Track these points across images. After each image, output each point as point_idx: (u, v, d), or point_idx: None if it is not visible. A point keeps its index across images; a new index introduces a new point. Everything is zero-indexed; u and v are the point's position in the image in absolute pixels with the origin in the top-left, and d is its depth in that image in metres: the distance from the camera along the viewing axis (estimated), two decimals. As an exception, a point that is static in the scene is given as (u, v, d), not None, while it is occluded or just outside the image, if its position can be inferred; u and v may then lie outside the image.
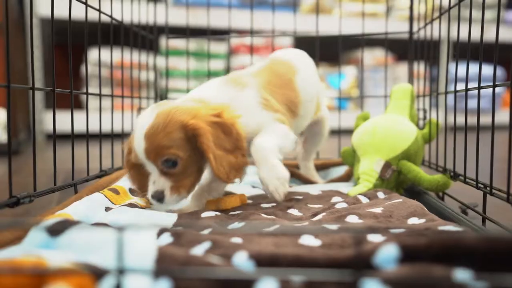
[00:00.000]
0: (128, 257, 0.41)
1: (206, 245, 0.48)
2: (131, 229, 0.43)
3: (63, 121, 1.06)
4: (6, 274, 0.36)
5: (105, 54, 2.17)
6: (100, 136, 0.85)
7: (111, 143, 0.91)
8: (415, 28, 1.12)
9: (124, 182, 0.80)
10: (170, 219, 0.65)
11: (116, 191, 0.74)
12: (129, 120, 1.05)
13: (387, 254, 0.39)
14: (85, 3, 0.77)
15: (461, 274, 0.36)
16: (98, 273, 0.37)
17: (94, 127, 0.86)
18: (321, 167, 1.10)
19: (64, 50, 0.72)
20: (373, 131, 0.92)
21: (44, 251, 0.44)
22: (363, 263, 0.38)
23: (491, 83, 0.66)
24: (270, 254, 0.43)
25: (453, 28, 0.79)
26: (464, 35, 0.70)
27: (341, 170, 1.06)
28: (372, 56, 2.93)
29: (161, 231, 0.54)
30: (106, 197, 0.70)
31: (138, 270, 0.36)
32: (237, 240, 0.49)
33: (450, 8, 0.81)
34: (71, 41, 0.73)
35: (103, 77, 2.29)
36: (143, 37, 1.12)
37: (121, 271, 0.35)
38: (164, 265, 0.41)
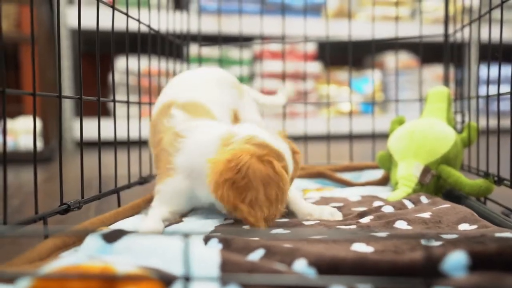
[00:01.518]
0: (193, 264, 0.42)
1: (260, 252, 0.48)
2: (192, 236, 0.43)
3: (92, 128, 1.07)
4: (74, 280, 0.37)
5: (132, 62, 2.21)
6: (140, 143, 0.86)
7: (139, 150, 0.91)
8: (449, 31, 1.11)
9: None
10: (208, 226, 0.65)
11: None
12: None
13: (456, 260, 0.38)
14: (113, 7, 0.78)
15: (537, 282, 0.35)
16: (166, 280, 0.37)
17: (121, 135, 0.86)
18: (354, 168, 1.09)
19: (93, 60, 0.73)
20: (411, 135, 0.90)
21: (106, 257, 0.45)
22: (432, 270, 0.38)
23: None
24: (330, 259, 0.43)
25: (484, 30, 0.78)
26: (495, 37, 0.69)
27: (376, 173, 1.04)
28: (395, 61, 2.90)
29: (207, 238, 0.55)
30: None
31: (206, 278, 0.36)
32: (290, 246, 0.49)
33: (491, 9, 0.79)
34: (99, 50, 0.74)
35: (130, 85, 2.33)
36: (170, 45, 1.13)
37: (188, 278, 0.36)
38: (229, 271, 0.41)
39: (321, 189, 0.97)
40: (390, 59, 2.97)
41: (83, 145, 0.70)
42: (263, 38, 2.53)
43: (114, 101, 0.82)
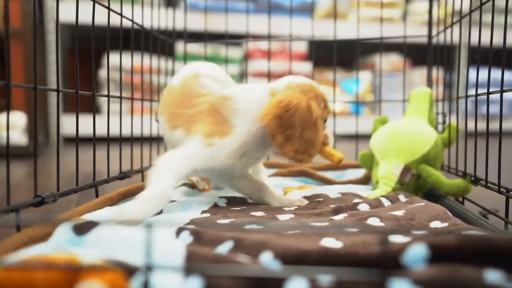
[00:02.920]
0: (157, 255, 0.42)
1: (229, 244, 0.49)
2: (157, 228, 0.43)
3: (81, 124, 1.08)
4: (39, 270, 0.37)
5: (123, 59, 2.19)
6: (120, 140, 0.86)
7: (131, 146, 0.92)
8: (433, 32, 1.12)
9: None
10: (184, 218, 0.66)
11: None
12: (147, 123, 1.07)
13: (416, 253, 0.38)
14: (108, 8, 0.78)
15: (493, 275, 0.35)
16: (129, 270, 0.37)
17: (111, 131, 0.87)
18: (337, 167, 1.09)
19: (82, 55, 0.73)
20: (393, 135, 0.91)
21: (73, 248, 0.45)
22: (390, 262, 0.38)
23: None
24: (296, 252, 0.43)
25: (471, 32, 0.79)
26: (482, 39, 0.70)
27: (358, 172, 1.05)
28: (388, 61, 2.92)
29: (180, 230, 0.55)
30: None
31: (168, 267, 0.36)
32: (259, 239, 0.50)
33: (471, 11, 0.80)
34: (90, 46, 0.74)
35: (119, 81, 2.32)
36: (162, 42, 1.14)
37: (149, 268, 0.36)
38: (193, 263, 0.41)
39: (303, 187, 0.97)
40: (382, 60, 2.99)
41: (76, 140, 0.70)
42: (252, 37, 2.54)
43: (108, 96, 0.83)
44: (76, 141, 0.70)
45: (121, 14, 0.84)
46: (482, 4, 0.75)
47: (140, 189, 0.82)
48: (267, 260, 0.44)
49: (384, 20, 2.88)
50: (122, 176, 0.86)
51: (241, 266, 0.39)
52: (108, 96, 0.83)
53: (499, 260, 0.38)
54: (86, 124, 0.96)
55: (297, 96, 0.72)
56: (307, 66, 2.66)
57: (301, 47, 2.70)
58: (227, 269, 0.37)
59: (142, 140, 0.98)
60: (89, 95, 0.77)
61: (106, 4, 0.81)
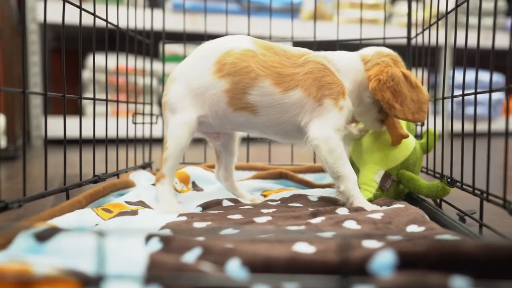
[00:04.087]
0: (118, 264, 0.40)
1: (197, 251, 0.47)
2: (118, 235, 0.42)
3: (61, 126, 1.06)
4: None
5: (102, 59, 2.17)
6: (94, 142, 0.84)
7: (105, 149, 0.90)
8: (413, 34, 1.12)
9: (121, 199, 0.79)
10: (157, 223, 0.65)
11: (109, 211, 0.73)
12: (124, 125, 1.05)
13: (383, 260, 0.38)
14: (79, 7, 0.76)
15: (459, 282, 0.35)
16: (85, 280, 0.36)
17: (90, 133, 0.86)
18: (317, 170, 1.08)
19: (64, 56, 0.72)
20: (373, 141, 0.91)
21: (31, 257, 0.43)
22: (353, 269, 0.37)
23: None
24: (263, 259, 0.42)
25: (452, 34, 0.78)
26: (463, 41, 0.70)
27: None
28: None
29: (149, 237, 0.53)
30: (98, 215, 0.69)
31: (124, 277, 0.35)
32: (229, 245, 0.48)
33: (447, 13, 0.80)
34: (71, 47, 0.73)
35: (102, 82, 2.29)
36: (140, 43, 1.12)
37: (101, 278, 0.34)
38: (155, 272, 0.40)
39: (283, 190, 0.96)
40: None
41: (45, 143, 0.67)
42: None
43: (80, 98, 0.80)
44: (45, 144, 0.68)
45: (94, 14, 0.82)
46: (457, 5, 0.74)
47: (107, 189, 0.80)
48: (234, 268, 0.43)
49: (368, 21, 2.89)
50: (96, 179, 0.84)
51: (202, 275, 0.37)
52: (80, 98, 0.81)
53: (466, 266, 0.37)
54: (67, 127, 0.94)
55: (391, 65, 0.81)
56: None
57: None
58: (187, 278, 0.36)
59: (117, 142, 0.96)
60: (59, 96, 0.75)
61: (87, 4, 0.79)
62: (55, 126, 1.73)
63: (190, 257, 0.47)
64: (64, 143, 0.74)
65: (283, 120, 0.79)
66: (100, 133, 0.93)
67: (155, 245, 0.51)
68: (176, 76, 0.82)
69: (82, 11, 0.78)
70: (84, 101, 2.37)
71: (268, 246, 0.49)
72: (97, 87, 2.34)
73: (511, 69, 0.57)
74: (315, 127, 0.77)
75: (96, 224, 0.65)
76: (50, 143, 2.34)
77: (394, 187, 0.88)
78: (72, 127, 0.95)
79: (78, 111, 2.53)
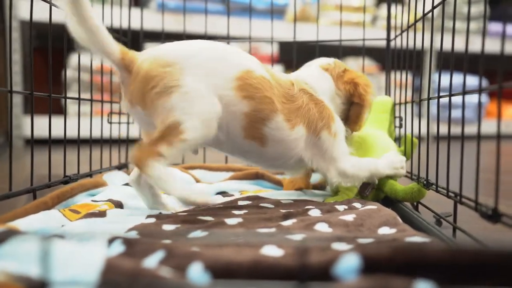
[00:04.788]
0: (72, 269, 0.39)
1: (160, 254, 0.46)
2: (78, 238, 0.40)
3: (43, 126, 1.03)
4: None
5: (86, 58, 2.13)
6: (65, 142, 0.82)
7: (78, 149, 0.88)
8: (392, 36, 1.12)
9: (90, 199, 0.77)
10: (125, 225, 0.63)
11: (77, 212, 0.70)
12: (99, 124, 1.02)
13: (347, 264, 0.37)
14: (49, 3, 0.74)
15: (422, 286, 0.34)
16: (33, 286, 0.34)
17: (73, 132, 0.85)
18: None
19: (45, 54, 0.71)
20: (354, 148, 0.90)
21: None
22: (315, 274, 0.36)
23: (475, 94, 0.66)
24: (226, 263, 0.41)
25: (438, 37, 0.78)
26: (448, 44, 0.70)
27: (316, 177, 1.03)
28: (357, 65, 2.94)
29: (112, 239, 0.52)
30: (65, 216, 0.67)
31: (73, 282, 0.33)
32: (195, 249, 0.47)
33: (424, 15, 0.80)
34: (53, 45, 0.71)
35: (85, 81, 2.25)
36: (117, 41, 1.09)
37: (45, 284, 0.33)
38: (110, 277, 0.38)
39: (259, 191, 0.95)
40: (351, 64, 3.00)
41: (10, 142, 0.66)
42: (221, 38, 2.51)
43: (65, 97, 0.79)
44: (10, 143, 0.66)
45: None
46: (433, 7, 0.74)
47: (75, 189, 0.78)
48: (196, 272, 0.41)
49: (354, 24, 2.90)
50: (67, 180, 0.82)
51: (158, 281, 0.36)
52: (65, 97, 0.79)
53: (431, 270, 0.36)
54: (46, 126, 0.91)
55: (350, 69, 0.87)
56: (278, 69, 2.65)
57: (270, 49, 2.69)
58: (142, 284, 0.35)
59: (91, 142, 0.94)
60: (45, 96, 0.73)
61: None
62: (36, 126, 1.70)
63: (152, 261, 0.45)
64: (31, 142, 0.72)
65: (289, 155, 0.79)
66: (76, 133, 0.91)
67: (118, 248, 0.49)
68: (189, 66, 0.68)
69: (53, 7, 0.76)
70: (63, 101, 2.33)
71: (235, 250, 0.48)
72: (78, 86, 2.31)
73: (502, 70, 0.56)
74: (326, 168, 0.81)
75: (62, 225, 0.63)
76: (29, 142, 2.30)
77: (373, 194, 0.87)
78: (48, 126, 0.93)
79: (55, 110, 2.49)
